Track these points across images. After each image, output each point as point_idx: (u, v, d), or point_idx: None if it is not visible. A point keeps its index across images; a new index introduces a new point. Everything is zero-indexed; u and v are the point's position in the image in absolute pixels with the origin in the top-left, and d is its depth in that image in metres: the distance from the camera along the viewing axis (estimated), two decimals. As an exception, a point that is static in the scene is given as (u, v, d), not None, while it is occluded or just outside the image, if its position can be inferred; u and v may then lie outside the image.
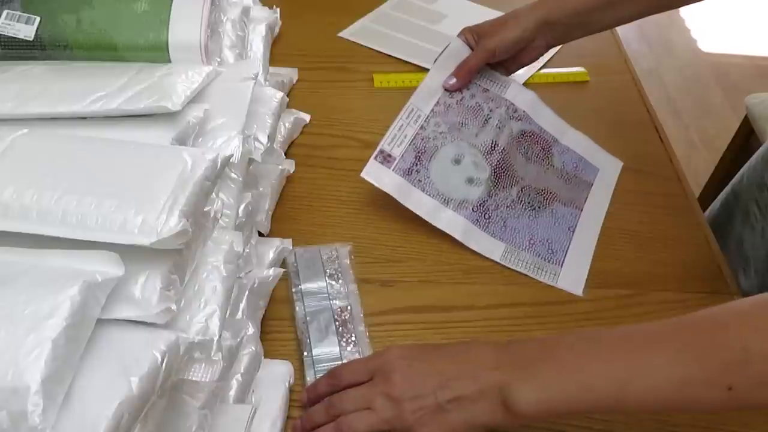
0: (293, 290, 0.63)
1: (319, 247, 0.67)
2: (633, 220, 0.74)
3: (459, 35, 0.76)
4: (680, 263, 0.70)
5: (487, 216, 0.69)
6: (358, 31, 1.02)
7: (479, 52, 0.74)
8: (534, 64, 0.85)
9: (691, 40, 2.57)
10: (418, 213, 0.69)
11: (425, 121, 0.73)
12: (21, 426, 0.32)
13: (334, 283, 0.64)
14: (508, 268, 0.68)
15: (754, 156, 0.89)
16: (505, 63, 0.78)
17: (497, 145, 0.74)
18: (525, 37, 0.73)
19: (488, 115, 0.75)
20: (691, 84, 2.36)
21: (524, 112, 0.78)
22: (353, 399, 0.50)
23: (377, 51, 0.98)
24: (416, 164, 0.70)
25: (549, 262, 0.68)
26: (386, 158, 0.69)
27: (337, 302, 0.62)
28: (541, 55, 0.77)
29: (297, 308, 0.62)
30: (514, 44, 0.74)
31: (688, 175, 0.81)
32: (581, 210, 0.74)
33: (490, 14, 1.07)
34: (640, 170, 0.81)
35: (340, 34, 1.01)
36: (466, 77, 0.75)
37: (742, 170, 0.90)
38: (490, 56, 0.74)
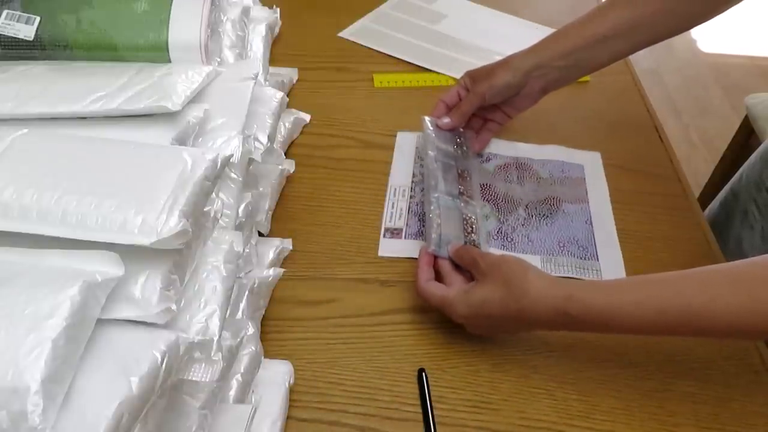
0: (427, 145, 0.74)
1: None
2: (632, 220, 0.74)
3: (456, 84, 0.78)
4: (680, 263, 0.69)
5: (510, 239, 0.71)
6: (358, 31, 1.02)
7: (471, 96, 0.76)
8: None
9: (691, 40, 2.58)
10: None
11: (411, 190, 0.76)
12: (21, 426, 0.32)
13: (460, 151, 0.75)
14: None
15: (753, 155, 0.89)
16: (504, 108, 0.78)
17: (483, 186, 0.76)
18: (515, 83, 0.74)
19: (462, 169, 0.75)
20: (691, 84, 2.36)
21: (489, 152, 0.81)
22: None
23: (377, 51, 0.98)
24: (423, 226, 0.71)
25: (585, 259, 0.69)
26: (394, 233, 0.71)
27: (460, 166, 0.73)
28: (537, 100, 0.77)
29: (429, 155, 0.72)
30: (504, 89, 0.74)
31: (688, 175, 0.81)
32: (588, 203, 0.76)
33: (490, 14, 1.08)
34: (640, 170, 0.81)
35: (340, 34, 1.01)
36: (459, 119, 0.77)
37: (741, 170, 0.90)
38: (481, 100, 0.75)
